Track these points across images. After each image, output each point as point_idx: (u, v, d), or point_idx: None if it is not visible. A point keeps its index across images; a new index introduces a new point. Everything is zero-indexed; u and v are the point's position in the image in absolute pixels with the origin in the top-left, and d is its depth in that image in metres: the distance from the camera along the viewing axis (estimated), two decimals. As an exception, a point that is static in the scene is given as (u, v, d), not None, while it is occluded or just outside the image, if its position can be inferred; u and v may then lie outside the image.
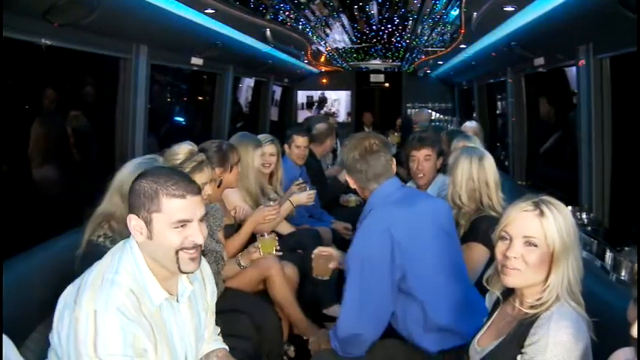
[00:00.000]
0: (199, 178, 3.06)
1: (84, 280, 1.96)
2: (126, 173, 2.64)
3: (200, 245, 2.04)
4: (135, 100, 4.09)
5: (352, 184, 2.82)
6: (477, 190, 3.26)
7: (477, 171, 3.28)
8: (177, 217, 1.98)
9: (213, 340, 2.48)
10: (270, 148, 4.63)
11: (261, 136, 4.69)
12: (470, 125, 5.95)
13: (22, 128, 4.17)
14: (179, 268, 2.02)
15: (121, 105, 4.10)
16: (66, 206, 3.92)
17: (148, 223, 1.99)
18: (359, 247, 2.61)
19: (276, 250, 3.52)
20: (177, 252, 2.00)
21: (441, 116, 11.05)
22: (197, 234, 2.01)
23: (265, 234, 3.54)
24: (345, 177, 2.95)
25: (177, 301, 2.14)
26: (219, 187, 3.59)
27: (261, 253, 3.51)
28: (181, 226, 1.99)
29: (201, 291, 2.32)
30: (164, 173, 2.06)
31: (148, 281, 2.02)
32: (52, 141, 4.38)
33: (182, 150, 3.18)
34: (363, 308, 2.58)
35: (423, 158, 4.14)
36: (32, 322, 1.61)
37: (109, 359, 1.85)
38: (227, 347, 2.52)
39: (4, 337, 1.57)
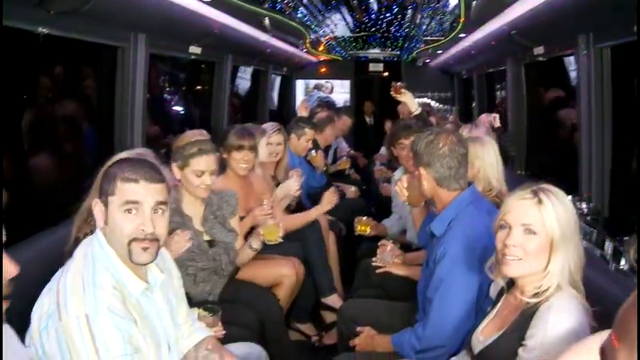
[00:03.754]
0: (197, 164, 3.07)
1: (61, 286, 1.90)
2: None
3: (156, 237, 2.00)
4: (133, 89, 4.07)
5: (424, 179, 2.72)
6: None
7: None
8: (125, 197, 1.97)
9: (197, 329, 2.45)
10: (277, 138, 4.63)
11: (267, 125, 4.70)
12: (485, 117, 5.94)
13: (16, 118, 4.14)
14: (131, 258, 1.99)
15: (119, 94, 4.07)
16: (60, 199, 3.89)
17: (106, 206, 2.00)
18: (455, 257, 2.53)
19: (280, 237, 3.51)
20: (130, 242, 1.97)
21: (441, 105, 11.02)
22: (147, 222, 1.98)
23: (270, 221, 3.52)
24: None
25: (151, 291, 2.12)
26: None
27: (265, 240, 3.50)
28: (130, 210, 1.97)
29: (169, 278, 2.30)
30: (129, 161, 2.10)
31: (123, 274, 2.00)
32: (47, 131, 4.35)
33: (190, 134, 3.19)
34: (451, 321, 2.53)
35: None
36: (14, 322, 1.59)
37: None
38: (212, 333, 2.50)
39: (10, 329, 1.56)
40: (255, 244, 3.54)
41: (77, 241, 2.16)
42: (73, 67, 4.70)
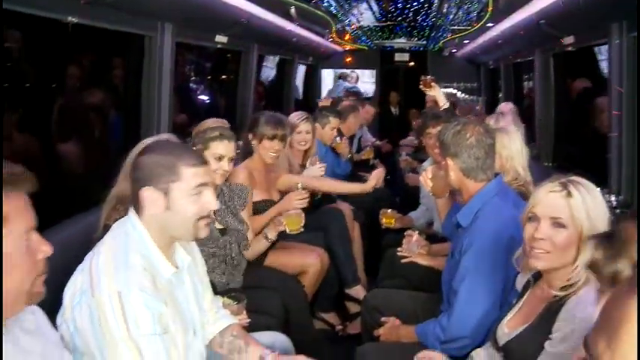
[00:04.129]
0: (214, 147, 3.09)
1: (94, 265, 1.94)
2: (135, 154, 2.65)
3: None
4: (160, 78, 4.09)
5: (451, 170, 2.70)
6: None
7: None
8: (195, 182, 2.03)
9: (222, 316, 2.48)
10: (305, 126, 4.65)
11: (295, 114, 4.72)
12: (505, 106, 5.88)
13: (47, 106, 4.20)
14: (196, 235, 2.08)
15: (146, 83, 4.10)
16: (88, 186, 3.94)
17: (167, 193, 2.01)
18: (481, 248, 2.52)
19: (302, 227, 3.52)
20: (197, 220, 2.05)
21: (467, 96, 10.92)
22: (213, 200, 2.08)
23: (292, 210, 3.53)
24: None
25: (180, 274, 2.16)
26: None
27: (287, 230, 3.51)
28: (198, 193, 2.04)
29: (195, 262, 2.34)
30: (173, 145, 2.18)
31: (155, 257, 2.04)
32: (75, 119, 4.40)
33: (211, 121, 3.22)
34: (476, 312, 2.52)
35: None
36: (44, 305, 1.62)
37: (142, 340, 1.86)
38: (237, 321, 2.52)
39: (38, 309, 1.60)
40: (271, 234, 3.55)
41: (106, 228, 2.19)
42: (101, 56, 4.75)
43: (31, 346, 1.48)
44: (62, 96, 4.31)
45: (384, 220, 4.23)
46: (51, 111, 4.05)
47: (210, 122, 3.22)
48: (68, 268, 2.01)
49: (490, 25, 6.43)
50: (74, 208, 3.19)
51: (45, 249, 1.43)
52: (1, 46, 3.20)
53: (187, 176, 2.02)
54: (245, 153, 3.95)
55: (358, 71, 11.76)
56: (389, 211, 4.25)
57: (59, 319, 1.93)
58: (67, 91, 4.45)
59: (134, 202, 2.06)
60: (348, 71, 11.64)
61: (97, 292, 1.86)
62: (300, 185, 3.77)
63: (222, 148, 3.11)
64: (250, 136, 3.83)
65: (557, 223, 1.92)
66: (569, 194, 1.92)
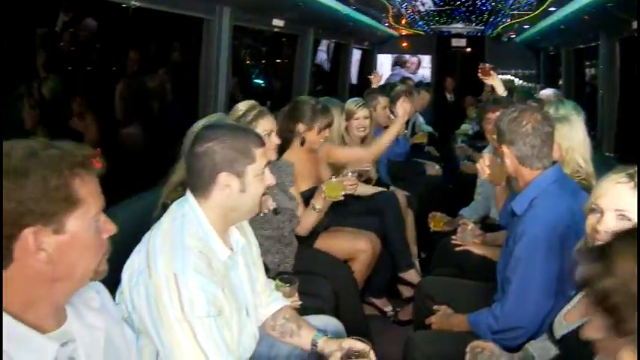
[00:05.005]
0: (262, 124, 3.12)
1: (151, 246, 1.98)
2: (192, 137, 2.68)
3: None
4: (217, 61, 4.13)
5: (506, 157, 2.65)
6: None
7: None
8: (263, 161, 2.09)
9: (274, 299, 2.49)
10: (364, 112, 4.64)
11: (352, 101, 4.70)
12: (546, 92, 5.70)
13: (108, 88, 4.30)
14: (256, 212, 2.16)
15: (204, 66, 4.15)
16: (147, 167, 4.03)
17: (242, 176, 2.04)
18: (535, 236, 2.47)
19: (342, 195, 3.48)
20: (260, 198, 2.12)
21: (525, 83, 10.65)
22: (271, 176, 2.15)
23: (332, 177, 3.52)
24: None
25: (235, 255, 2.19)
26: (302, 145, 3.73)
27: (327, 197, 3.49)
28: (264, 171, 2.10)
29: (249, 244, 2.36)
30: (236, 127, 2.23)
31: (211, 239, 2.06)
32: (135, 102, 4.50)
33: (243, 104, 3.23)
34: (530, 302, 2.49)
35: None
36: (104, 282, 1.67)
37: (196, 321, 1.89)
38: (289, 303, 2.54)
39: (103, 288, 1.65)
40: (319, 204, 3.52)
41: (164, 208, 2.23)
42: (160, 40, 4.84)
43: (96, 322, 1.51)
44: (123, 79, 4.41)
45: (432, 224, 4.13)
46: (113, 94, 4.15)
47: (243, 106, 3.24)
48: (127, 246, 2.05)
49: (552, 9, 6.24)
50: (133, 188, 3.27)
51: (110, 228, 1.47)
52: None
53: (258, 157, 2.07)
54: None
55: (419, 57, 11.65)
56: (438, 214, 4.14)
57: (118, 298, 1.98)
58: (128, 74, 4.55)
59: (200, 187, 2.06)
60: (407, 56, 11.52)
61: (154, 273, 1.90)
62: (350, 171, 3.74)
63: (269, 124, 3.16)
64: (301, 126, 3.79)
65: (623, 216, 1.86)
66: (636, 186, 1.85)
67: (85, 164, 1.38)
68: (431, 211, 4.27)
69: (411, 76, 11.00)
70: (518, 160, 2.61)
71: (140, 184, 3.30)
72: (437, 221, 4.08)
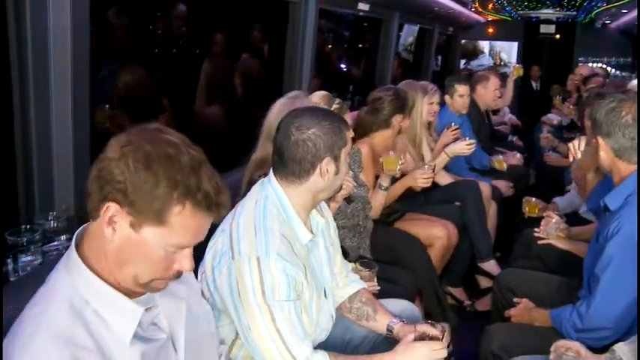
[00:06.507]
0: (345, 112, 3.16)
1: (234, 228, 2.01)
2: (273, 116, 2.71)
3: None
4: (302, 43, 4.17)
5: (602, 150, 2.52)
6: None
7: None
8: (350, 143, 2.13)
9: (352, 281, 2.50)
10: (437, 97, 4.59)
11: (428, 84, 4.66)
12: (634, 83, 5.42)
13: (195, 71, 4.41)
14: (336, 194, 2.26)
15: (289, 48, 4.20)
16: (230, 148, 4.11)
17: (338, 159, 2.07)
18: (629, 234, 2.35)
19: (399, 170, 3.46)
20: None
21: (618, 72, 10.17)
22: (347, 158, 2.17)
23: (391, 152, 3.49)
24: None
25: (315, 237, 2.20)
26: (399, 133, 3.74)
27: (384, 170, 3.46)
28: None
29: (327, 225, 2.37)
30: (326, 110, 2.32)
31: (294, 223, 2.08)
32: (221, 84, 4.59)
33: (317, 95, 3.24)
34: (619, 303, 2.39)
35: None
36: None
37: (276, 305, 1.92)
38: (366, 286, 2.54)
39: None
40: (385, 182, 3.51)
41: (250, 184, 2.27)
42: (246, 23, 4.91)
43: (179, 292, 1.56)
44: (209, 61, 4.51)
45: (527, 209, 3.98)
46: (199, 76, 4.26)
47: (317, 96, 3.26)
48: (212, 226, 2.12)
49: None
50: (219, 168, 3.35)
51: (185, 266, 1.42)
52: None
53: (349, 139, 2.10)
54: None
55: (503, 44, 11.36)
56: (533, 199, 4.00)
57: (200, 276, 2.05)
58: (214, 56, 4.65)
59: (297, 172, 2.06)
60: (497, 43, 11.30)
61: (237, 255, 1.94)
62: (427, 164, 3.71)
63: (347, 118, 3.16)
64: (388, 110, 3.73)
65: None
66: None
67: (199, 201, 1.32)
68: (515, 203, 4.17)
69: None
70: (614, 152, 2.48)
71: (226, 163, 3.38)
72: (532, 206, 3.94)
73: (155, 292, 1.43)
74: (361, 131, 3.69)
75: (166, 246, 1.34)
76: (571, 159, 3.10)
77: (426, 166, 3.65)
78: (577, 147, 2.98)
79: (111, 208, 1.29)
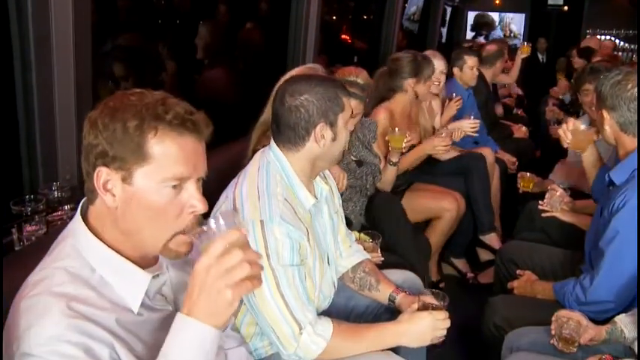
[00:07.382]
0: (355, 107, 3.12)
1: (237, 193, 2.03)
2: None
3: None
4: (307, 14, 4.12)
5: (607, 124, 2.50)
6: None
7: None
8: (349, 110, 2.13)
9: (355, 251, 2.51)
10: (442, 66, 4.53)
11: (435, 53, 4.61)
12: None
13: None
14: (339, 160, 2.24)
15: (294, 17, 4.15)
16: (238, 118, 4.11)
17: (334, 125, 2.07)
18: (635, 208, 2.31)
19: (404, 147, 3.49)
20: (346, 146, 2.16)
21: (626, 45, 10.05)
22: (352, 125, 2.19)
23: (397, 129, 3.49)
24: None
25: (319, 203, 2.21)
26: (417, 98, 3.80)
27: (391, 147, 3.49)
28: (349, 120, 2.14)
29: (331, 193, 2.37)
30: (323, 76, 2.33)
31: (297, 188, 2.09)
32: (226, 52, 4.56)
33: (359, 73, 3.22)
34: (623, 276, 2.38)
35: None
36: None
37: (280, 270, 1.93)
38: (370, 257, 2.55)
39: None
40: (394, 157, 3.54)
41: (255, 152, 2.28)
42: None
43: (190, 270, 1.57)
44: (214, 32, 4.48)
45: (521, 184, 3.95)
46: (205, 47, 4.23)
47: (354, 76, 3.22)
48: (218, 192, 2.12)
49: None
50: (225, 138, 3.35)
51: (195, 206, 1.38)
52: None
53: (347, 106, 2.09)
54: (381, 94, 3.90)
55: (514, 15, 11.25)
56: (527, 174, 3.98)
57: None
58: (218, 25, 4.61)
59: (292, 139, 2.08)
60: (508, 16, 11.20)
61: (240, 219, 1.94)
62: (444, 133, 3.71)
63: (360, 107, 3.11)
64: (410, 81, 3.81)
65: None
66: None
67: (170, 121, 1.28)
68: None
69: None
70: (620, 126, 2.46)
71: (231, 133, 3.38)
72: (526, 181, 3.92)
73: (179, 256, 1.39)
74: (377, 95, 3.71)
75: (163, 184, 1.30)
76: (565, 146, 3.06)
77: (444, 133, 3.64)
78: (566, 130, 2.94)
79: (101, 173, 1.30)
